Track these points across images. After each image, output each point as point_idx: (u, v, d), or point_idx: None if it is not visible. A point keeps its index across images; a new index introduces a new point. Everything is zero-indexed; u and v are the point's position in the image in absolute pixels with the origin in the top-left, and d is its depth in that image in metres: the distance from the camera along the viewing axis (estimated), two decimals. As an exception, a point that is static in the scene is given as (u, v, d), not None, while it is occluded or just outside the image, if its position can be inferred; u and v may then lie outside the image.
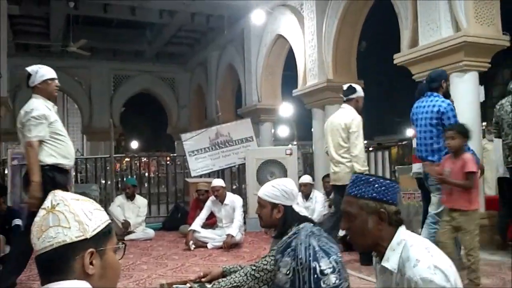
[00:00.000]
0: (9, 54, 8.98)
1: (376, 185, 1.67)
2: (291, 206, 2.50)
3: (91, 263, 1.07)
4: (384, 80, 20.85)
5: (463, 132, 3.65)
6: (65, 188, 3.66)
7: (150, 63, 14.80)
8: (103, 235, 1.11)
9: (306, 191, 6.54)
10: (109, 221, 1.16)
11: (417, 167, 4.69)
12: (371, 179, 1.70)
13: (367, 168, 4.78)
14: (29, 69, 3.86)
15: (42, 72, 3.85)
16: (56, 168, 3.71)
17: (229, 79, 12.52)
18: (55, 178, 3.69)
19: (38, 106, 3.74)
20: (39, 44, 13.03)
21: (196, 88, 14.67)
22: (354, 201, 1.69)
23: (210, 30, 12.49)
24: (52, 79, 3.91)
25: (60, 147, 3.76)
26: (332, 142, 4.90)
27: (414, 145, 4.84)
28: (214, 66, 12.87)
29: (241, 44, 11.17)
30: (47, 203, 1.10)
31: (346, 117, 4.74)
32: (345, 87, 4.94)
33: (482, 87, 5.85)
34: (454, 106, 4.12)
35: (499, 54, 5.88)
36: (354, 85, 4.93)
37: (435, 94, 4.11)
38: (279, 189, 2.53)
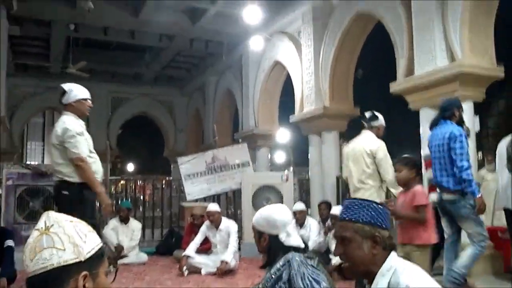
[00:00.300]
0: (8, 74, 9.04)
1: (370, 210, 1.68)
2: (276, 235, 2.42)
3: (84, 286, 1.06)
4: (381, 108, 20.99)
5: (410, 164, 3.64)
6: (94, 203, 4.02)
7: (148, 86, 14.88)
8: (97, 258, 1.11)
9: (300, 219, 6.47)
10: (102, 244, 1.16)
11: (434, 196, 4.59)
12: (365, 204, 1.71)
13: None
14: (65, 86, 3.92)
15: (77, 91, 3.93)
16: (85, 185, 3.78)
17: (226, 104, 12.59)
18: (83, 194, 3.77)
19: (73, 124, 3.83)
20: (39, 64, 13.12)
21: (193, 112, 14.74)
22: (349, 226, 1.69)
23: (209, 55, 12.61)
24: (86, 99, 4.01)
25: (91, 164, 3.85)
26: (354, 168, 4.74)
27: (429, 175, 4.81)
28: (212, 90, 12.95)
29: (239, 70, 11.28)
30: (40, 224, 1.09)
31: (371, 144, 4.65)
32: (367, 114, 4.87)
33: (477, 117, 5.89)
34: (468, 134, 4.12)
35: (494, 85, 5.95)
36: (376, 113, 4.87)
37: (449, 121, 4.13)
38: (263, 217, 2.48)
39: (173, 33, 10.90)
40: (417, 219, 3.46)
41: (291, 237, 2.44)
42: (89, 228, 1.14)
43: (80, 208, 3.66)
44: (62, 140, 3.75)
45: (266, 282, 2.23)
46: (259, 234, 2.47)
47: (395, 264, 1.64)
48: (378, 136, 4.76)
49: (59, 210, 3.60)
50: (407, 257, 3.34)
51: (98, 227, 3.74)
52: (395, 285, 1.58)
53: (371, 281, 1.70)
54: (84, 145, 3.82)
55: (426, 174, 5.19)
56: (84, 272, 1.06)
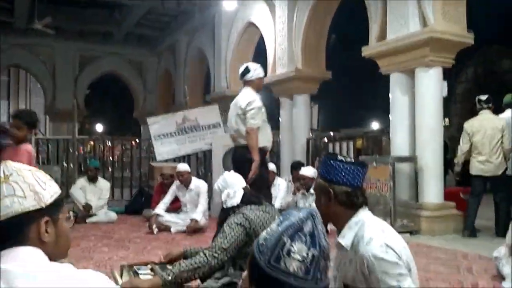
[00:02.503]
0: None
1: (329, 167, 1.74)
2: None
3: (46, 231, 1.09)
4: (351, 73, 21.15)
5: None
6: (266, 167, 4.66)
7: (118, 45, 14.48)
8: (57, 205, 1.13)
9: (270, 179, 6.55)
10: (61, 192, 1.18)
11: None
12: (328, 161, 1.76)
13: None
14: (250, 65, 4.56)
15: (260, 70, 4.55)
16: (261, 150, 4.36)
17: (198, 65, 12.41)
18: (263, 158, 4.45)
19: (256, 98, 4.40)
20: (2, 20, 12.54)
21: (164, 73, 14.48)
22: (316, 179, 1.85)
23: (181, 14, 12.31)
24: (263, 77, 4.67)
25: (265, 132, 4.44)
26: (488, 139, 5.45)
27: None
28: (183, 50, 12.72)
29: (212, 30, 11.08)
30: None
31: (499, 121, 5.53)
32: (484, 97, 5.63)
33: (445, 83, 6.02)
34: None
35: (464, 52, 6.05)
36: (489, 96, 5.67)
37: None
38: (222, 180, 2.90)
39: (144, -11, 10.56)
40: None
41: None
42: (48, 176, 1.16)
43: (260, 170, 4.35)
44: (244, 111, 4.31)
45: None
46: None
47: (363, 219, 1.69)
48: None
49: (239, 172, 3.71)
50: None
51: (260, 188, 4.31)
52: (360, 237, 1.64)
53: (339, 231, 1.76)
54: (260, 118, 4.36)
55: None
56: (46, 218, 1.08)
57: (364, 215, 1.71)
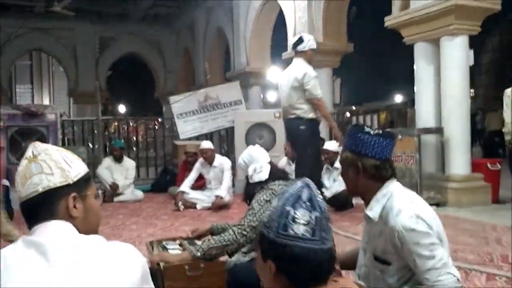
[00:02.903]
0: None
1: (356, 139, 1.71)
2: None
3: (74, 206, 1.13)
4: (374, 46, 20.73)
5: None
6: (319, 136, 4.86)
7: (135, 25, 14.44)
8: (84, 182, 1.17)
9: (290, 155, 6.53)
10: (88, 170, 1.22)
11: None
12: (353, 132, 1.73)
13: None
14: (305, 36, 4.59)
15: (313, 41, 4.58)
16: (315, 121, 4.52)
17: (217, 42, 12.33)
18: (316, 129, 4.60)
19: (310, 68, 4.47)
20: (21, 4, 12.63)
21: (183, 51, 14.45)
22: (342, 152, 1.80)
23: (198, -9, 12.19)
24: (315, 49, 4.74)
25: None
26: None
27: None
28: (201, 28, 12.64)
29: (230, 6, 10.96)
30: (28, 153, 1.14)
31: None
32: None
33: (472, 51, 5.86)
34: None
35: (489, 19, 5.85)
36: None
37: None
38: (249, 155, 2.75)
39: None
40: None
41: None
42: (75, 156, 1.20)
43: (312, 139, 4.48)
44: (302, 83, 4.33)
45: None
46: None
47: (391, 190, 1.67)
48: None
49: (294, 144, 4.38)
50: None
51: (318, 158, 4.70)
52: (389, 209, 1.62)
53: (365, 203, 1.75)
54: (319, 87, 4.43)
55: None
56: (73, 194, 1.12)
57: (392, 187, 1.69)
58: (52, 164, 1.12)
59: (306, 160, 4.61)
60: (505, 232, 4.19)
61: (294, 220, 1.09)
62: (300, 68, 4.44)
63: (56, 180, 1.11)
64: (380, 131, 1.72)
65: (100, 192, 1.41)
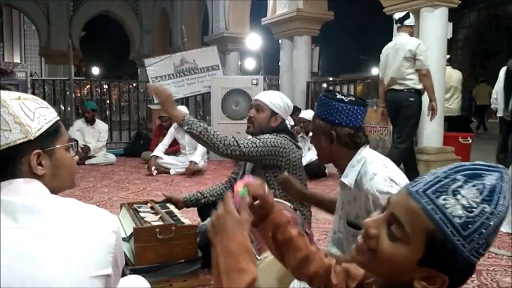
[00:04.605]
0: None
1: (329, 108, 1.66)
2: (285, 119, 2.67)
3: (39, 164, 1.03)
4: (354, 16, 20.63)
5: None
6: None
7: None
8: (50, 135, 1.06)
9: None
10: (57, 118, 1.10)
11: None
12: (327, 101, 1.68)
13: None
14: (411, 14, 4.83)
15: (413, 18, 4.83)
16: (420, 92, 4.67)
17: (195, 4, 12.00)
18: (421, 100, 4.71)
19: (420, 41, 4.68)
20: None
21: (160, 13, 14.04)
22: (314, 120, 1.75)
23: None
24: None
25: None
26: None
27: None
28: (180, -11, 12.28)
29: (209, -32, 10.65)
30: None
31: None
32: None
33: (451, 24, 5.86)
34: None
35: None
36: None
37: None
38: (283, 101, 2.63)
39: None
40: None
41: None
42: (41, 103, 1.08)
43: (418, 111, 4.70)
44: (415, 53, 4.50)
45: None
46: (272, 114, 2.58)
47: (365, 156, 1.66)
48: None
49: (397, 115, 4.56)
50: None
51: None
52: (363, 174, 1.62)
53: (339, 170, 1.74)
54: (427, 59, 4.59)
55: None
56: (36, 151, 1.02)
57: (366, 153, 1.68)
58: (10, 119, 0.99)
59: (408, 131, 4.76)
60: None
61: (455, 193, 0.77)
62: (411, 40, 4.68)
63: (14, 137, 0.99)
64: (353, 98, 1.68)
65: (72, 144, 1.32)
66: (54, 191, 1.05)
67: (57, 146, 1.08)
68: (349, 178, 1.67)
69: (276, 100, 2.60)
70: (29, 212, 0.94)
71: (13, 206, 0.94)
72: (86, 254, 0.95)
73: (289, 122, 2.84)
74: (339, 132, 1.65)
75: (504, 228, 3.41)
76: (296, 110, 6.71)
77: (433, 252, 0.78)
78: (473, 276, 2.47)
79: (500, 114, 6.01)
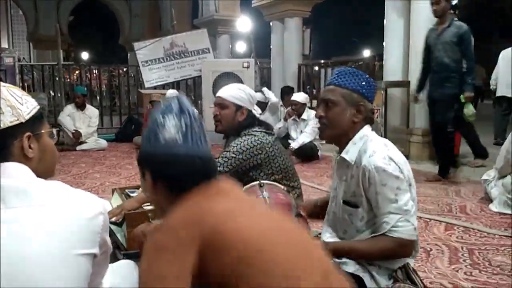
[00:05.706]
0: None
1: (362, 80, 1.67)
2: (251, 110, 2.50)
3: (29, 147, 1.07)
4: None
5: None
6: None
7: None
8: (37, 120, 1.11)
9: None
10: (39, 106, 1.15)
11: None
12: (358, 73, 1.69)
13: None
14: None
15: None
16: None
17: (185, -12, 11.89)
18: None
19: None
20: None
21: (150, -4, 13.89)
22: (337, 90, 1.68)
23: None
24: None
25: None
26: None
27: None
28: (169, -28, 12.11)
29: (199, -51, 10.49)
30: None
31: None
32: None
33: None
34: None
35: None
36: None
37: None
38: (245, 93, 2.49)
39: None
40: None
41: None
42: (23, 92, 1.12)
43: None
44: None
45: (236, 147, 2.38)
46: (236, 108, 2.45)
47: (367, 134, 1.67)
48: None
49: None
50: None
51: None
52: (363, 151, 1.63)
53: (341, 147, 1.72)
54: None
55: None
56: (27, 133, 1.06)
57: (368, 131, 1.69)
58: (2, 102, 1.03)
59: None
60: (464, 184, 4.32)
61: (162, 125, 1.10)
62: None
63: (7, 120, 1.03)
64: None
65: (55, 130, 1.34)
66: (39, 176, 1.07)
67: (44, 131, 1.12)
68: (349, 154, 1.67)
69: (237, 93, 2.47)
70: (16, 193, 0.96)
71: (2, 189, 0.96)
72: (69, 232, 0.97)
73: (257, 111, 2.71)
74: (367, 106, 1.67)
75: (495, 208, 3.45)
76: (290, 91, 6.70)
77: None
78: (465, 255, 2.50)
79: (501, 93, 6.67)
